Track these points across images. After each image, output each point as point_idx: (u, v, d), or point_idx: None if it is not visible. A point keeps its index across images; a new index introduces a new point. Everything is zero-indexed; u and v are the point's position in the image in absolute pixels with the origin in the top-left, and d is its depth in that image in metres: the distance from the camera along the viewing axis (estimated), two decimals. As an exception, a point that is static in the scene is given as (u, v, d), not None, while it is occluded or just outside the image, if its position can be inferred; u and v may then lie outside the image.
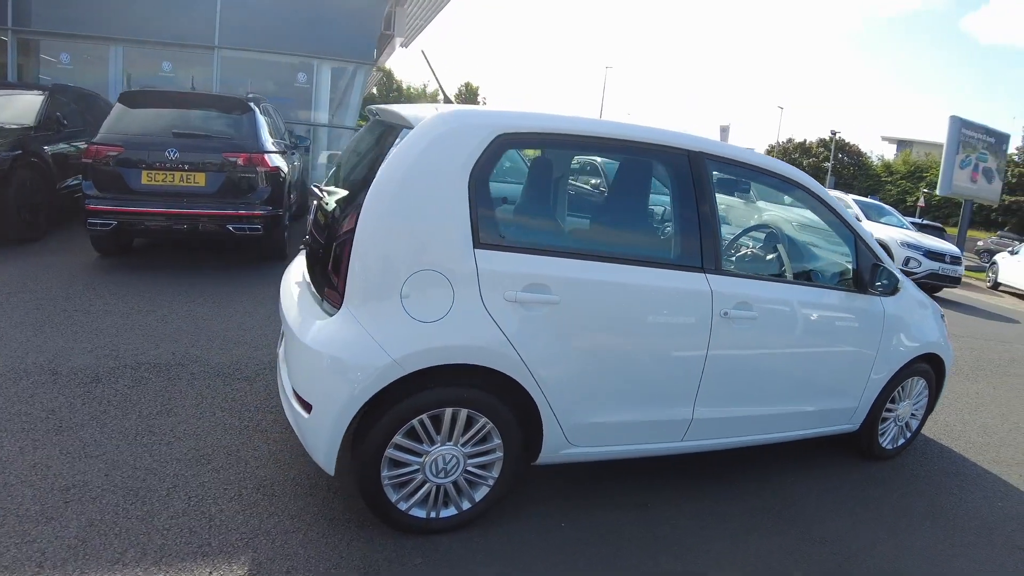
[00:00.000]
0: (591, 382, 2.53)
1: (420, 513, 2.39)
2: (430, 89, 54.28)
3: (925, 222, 16.29)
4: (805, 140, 54.47)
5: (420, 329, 2.22)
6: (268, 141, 6.06)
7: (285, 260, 6.43)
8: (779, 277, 3.13)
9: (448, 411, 2.31)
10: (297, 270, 3.04)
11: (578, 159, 9.38)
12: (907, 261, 10.85)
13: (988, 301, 12.61)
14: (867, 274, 3.15)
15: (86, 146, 5.41)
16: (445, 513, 2.43)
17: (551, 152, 2.84)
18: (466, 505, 2.45)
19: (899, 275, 3.29)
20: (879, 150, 48.24)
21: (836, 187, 33.23)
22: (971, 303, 11.79)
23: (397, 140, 2.36)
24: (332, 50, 11.11)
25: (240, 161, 5.68)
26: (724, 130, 35.03)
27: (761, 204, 9.78)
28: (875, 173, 46.80)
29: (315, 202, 2.85)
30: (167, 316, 4.42)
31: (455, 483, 2.41)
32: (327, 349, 2.23)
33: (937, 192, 21.26)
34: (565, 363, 2.42)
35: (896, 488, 3.38)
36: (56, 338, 3.80)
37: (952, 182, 20.29)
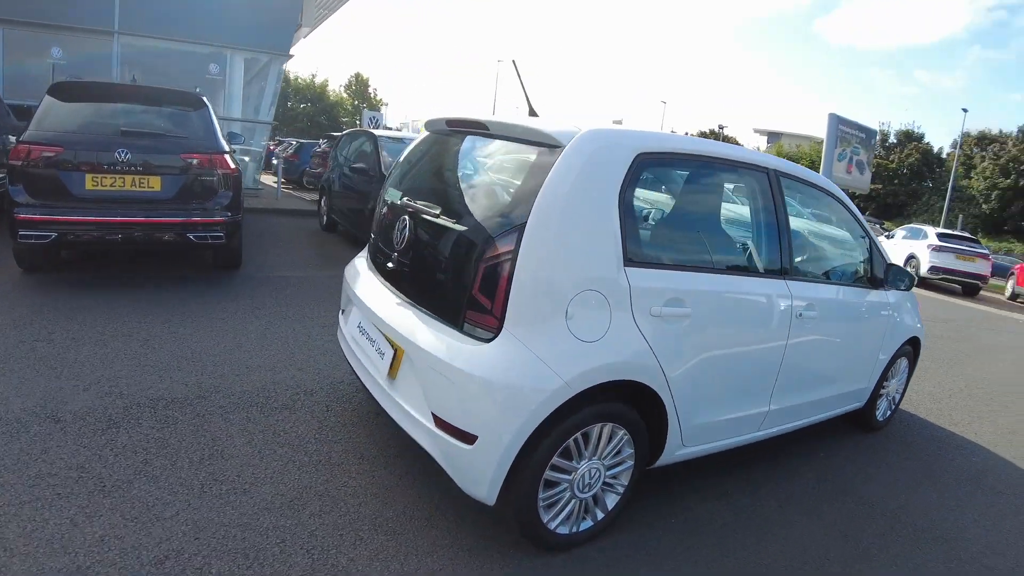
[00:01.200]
0: (706, 385, 2.63)
1: (564, 530, 2.37)
2: (318, 80, 51.62)
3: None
4: (687, 132, 58.34)
5: (585, 349, 2.19)
6: (224, 140, 5.45)
7: (240, 268, 5.92)
8: (827, 279, 3.38)
9: (597, 427, 2.31)
10: (371, 290, 2.79)
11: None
12: None
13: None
14: (883, 273, 3.57)
15: (14, 145, 4.54)
16: (584, 526, 2.43)
17: (682, 171, 2.84)
18: (600, 515, 2.47)
19: (911, 273, 3.74)
20: (753, 143, 52.80)
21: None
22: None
23: (534, 157, 2.30)
24: (246, 40, 10.21)
25: (199, 163, 5.06)
26: (617, 123, 36.12)
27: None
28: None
29: (407, 218, 2.63)
30: (149, 340, 3.84)
31: (594, 496, 2.43)
32: (496, 375, 2.07)
33: None
34: (690, 369, 2.50)
35: (895, 454, 3.84)
36: (33, 377, 3.17)
37: (832, 173, 22.69)
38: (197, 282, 5.37)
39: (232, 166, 5.36)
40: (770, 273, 2.89)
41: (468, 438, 2.11)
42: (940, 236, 15.72)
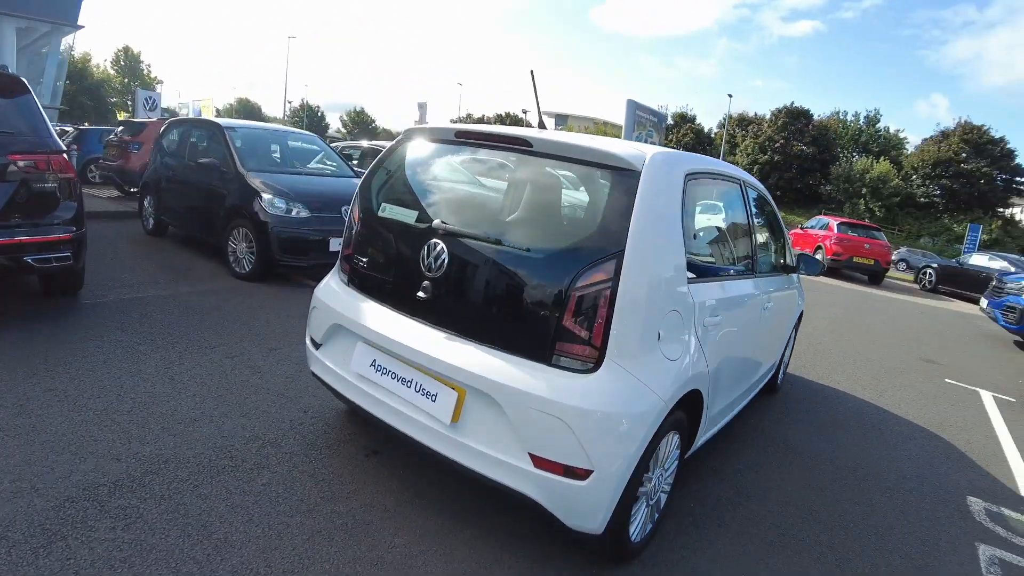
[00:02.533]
0: (722, 378, 2.86)
1: (637, 538, 2.42)
2: (77, 54, 43.03)
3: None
4: (483, 115, 60.04)
5: (673, 367, 2.26)
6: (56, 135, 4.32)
7: (77, 293, 4.78)
8: (772, 271, 3.81)
9: (667, 436, 2.39)
10: (390, 322, 2.47)
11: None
12: None
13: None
14: (795, 260, 4.20)
15: None
16: (648, 529, 2.50)
17: (708, 188, 2.94)
18: (656, 516, 2.57)
19: (821, 260, 4.46)
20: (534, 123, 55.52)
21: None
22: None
23: (610, 180, 2.24)
24: (19, 2, 8.14)
25: (32, 166, 3.96)
26: (422, 107, 35.28)
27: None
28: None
29: (440, 243, 2.37)
30: (25, 405, 2.94)
31: (656, 500, 2.52)
32: (615, 407, 2.02)
33: None
34: (716, 367, 2.69)
35: (805, 412, 4.56)
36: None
37: None
38: (29, 319, 4.23)
39: (73, 169, 4.29)
40: (747, 273, 3.23)
41: (581, 474, 2.02)
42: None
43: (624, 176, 2.21)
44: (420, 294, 2.39)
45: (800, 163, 40.59)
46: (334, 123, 75.47)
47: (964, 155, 36.30)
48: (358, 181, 6.88)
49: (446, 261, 2.34)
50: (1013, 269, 13.50)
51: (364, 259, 2.70)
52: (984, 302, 9.25)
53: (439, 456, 2.28)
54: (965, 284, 15.78)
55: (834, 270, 16.62)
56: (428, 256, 2.39)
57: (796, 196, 40.80)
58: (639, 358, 2.12)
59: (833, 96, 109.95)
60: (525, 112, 52.61)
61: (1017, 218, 37.66)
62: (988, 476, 3.85)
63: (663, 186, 2.25)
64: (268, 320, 4.76)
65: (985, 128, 36.44)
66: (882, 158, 39.69)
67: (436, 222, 2.42)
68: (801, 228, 20.06)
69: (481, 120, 58.47)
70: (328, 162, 7.18)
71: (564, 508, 2.08)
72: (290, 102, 70.11)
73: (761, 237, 3.61)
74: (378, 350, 2.49)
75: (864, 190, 38.08)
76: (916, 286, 18.03)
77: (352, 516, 2.44)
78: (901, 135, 43.80)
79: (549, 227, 2.35)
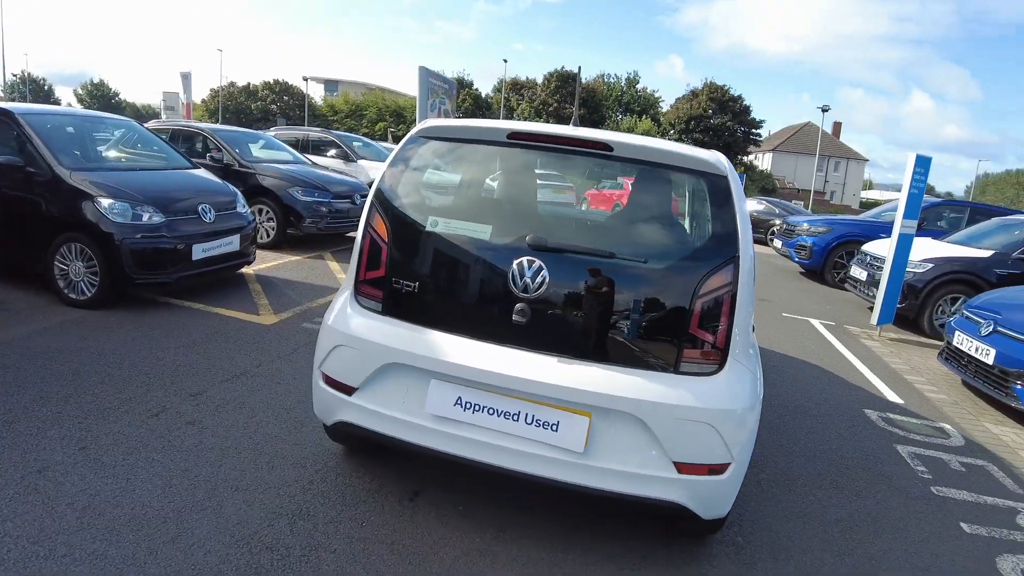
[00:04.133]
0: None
1: None
2: None
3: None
4: (249, 83, 54.18)
5: (756, 353, 2.47)
6: None
7: None
8: None
9: None
10: (474, 353, 2.19)
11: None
12: None
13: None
14: None
15: None
16: None
17: None
18: None
19: None
20: (310, 91, 52.09)
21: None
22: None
23: (705, 184, 2.29)
24: None
25: None
26: (186, 77, 31.10)
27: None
28: (321, 113, 50.69)
29: (537, 262, 2.17)
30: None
31: None
32: (750, 402, 2.18)
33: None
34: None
35: None
36: None
37: None
38: None
39: None
40: None
41: (722, 469, 2.13)
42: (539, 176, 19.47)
43: (717, 180, 2.26)
44: (516, 318, 2.15)
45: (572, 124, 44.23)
46: (65, 97, 61.55)
47: (711, 111, 42.91)
48: (204, 173, 5.98)
49: (547, 280, 2.14)
50: (776, 210, 16.79)
51: (411, 283, 2.31)
52: (778, 242, 11.41)
53: (562, 486, 2.15)
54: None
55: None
56: (522, 276, 2.15)
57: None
58: (748, 352, 2.26)
59: (590, 58, 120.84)
60: (306, 80, 48.35)
61: (755, 163, 46.19)
62: (863, 390, 4.82)
63: (739, 187, 2.33)
64: (157, 357, 3.82)
65: (727, 87, 43.44)
66: (644, 117, 45.09)
67: (529, 237, 2.19)
68: (597, 188, 22.03)
69: (248, 88, 52.34)
70: (155, 151, 5.84)
71: (705, 504, 2.16)
72: (14, 75, 54.51)
73: None
74: (464, 385, 2.20)
75: (625, 147, 43.04)
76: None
77: (467, 567, 2.16)
78: (657, 95, 50.13)
79: (659, 235, 2.30)
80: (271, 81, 53.38)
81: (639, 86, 50.34)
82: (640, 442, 2.11)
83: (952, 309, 6.57)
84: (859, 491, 3.21)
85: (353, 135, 12.19)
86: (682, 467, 2.10)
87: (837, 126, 55.49)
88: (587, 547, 2.43)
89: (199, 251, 4.87)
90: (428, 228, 2.31)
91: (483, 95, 48.97)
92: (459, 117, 30.35)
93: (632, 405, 2.09)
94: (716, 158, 2.32)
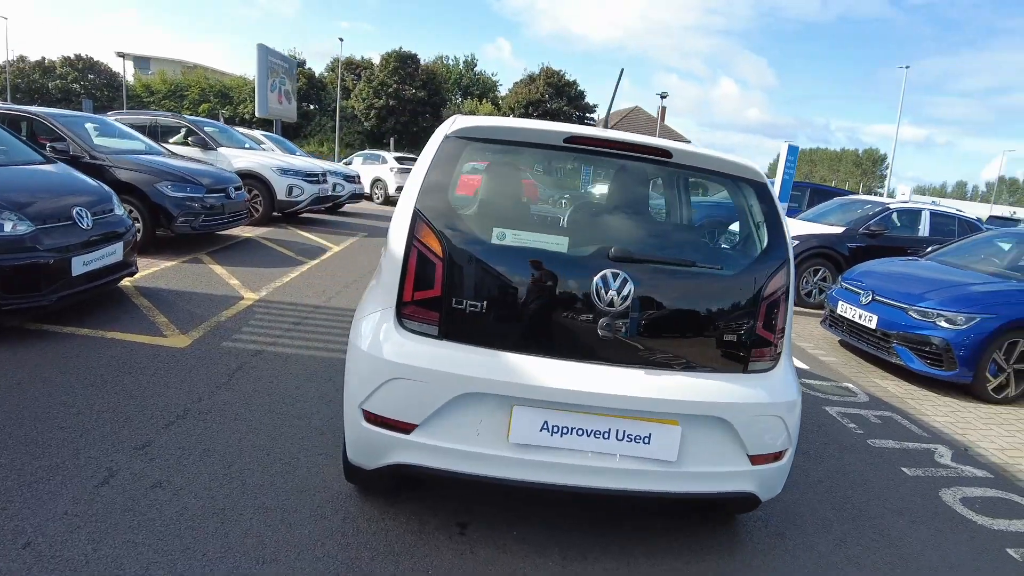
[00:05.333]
0: None
1: None
2: None
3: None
4: (44, 58, 45.40)
5: None
6: None
7: None
8: None
9: None
10: (553, 373, 2.08)
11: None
12: (290, 190, 9.39)
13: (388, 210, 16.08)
14: None
15: None
16: None
17: None
18: None
19: None
20: (116, 66, 45.08)
21: (97, 110, 28.13)
22: (385, 213, 14.87)
23: (752, 191, 2.39)
24: None
25: None
26: None
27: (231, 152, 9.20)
28: (136, 94, 44.48)
29: (622, 274, 2.10)
30: None
31: None
32: (799, 393, 2.35)
33: (256, 114, 23.36)
34: None
35: None
36: None
37: (268, 105, 22.75)
38: None
39: None
40: None
41: (783, 455, 2.31)
42: (398, 160, 18.79)
43: (761, 186, 2.39)
44: (602, 333, 2.06)
45: (413, 107, 43.25)
46: None
47: (548, 96, 44.34)
48: (67, 168, 4.78)
49: (632, 292, 2.08)
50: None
51: (476, 302, 2.09)
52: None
53: (656, 495, 2.18)
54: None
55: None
56: (606, 289, 2.06)
57: (413, 139, 43.63)
58: (789, 347, 2.41)
59: (420, 40, 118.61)
60: (122, 56, 41.14)
61: None
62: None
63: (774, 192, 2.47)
64: (65, 403, 3.05)
65: (562, 72, 45.04)
66: (484, 100, 45.45)
67: (613, 249, 2.10)
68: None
69: (43, 64, 43.63)
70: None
71: (767, 488, 2.33)
72: None
73: None
74: (551, 409, 2.06)
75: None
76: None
77: None
78: (495, 78, 50.77)
79: (728, 242, 2.31)
80: (72, 56, 45.05)
81: (477, 69, 50.79)
82: (725, 442, 2.19)
83: (814, 280, 7.63)
84: (821, 453, 3.60)
85: (205, 119, 10.65)
86: (755, 459, 2.23)
87: (662, 111, 60.99)
88: (653, 548, 2.44)
89: (79, 264, 3.97)
90: (495, 241, 2.11)
91: (317, 75, 45.99)
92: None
93: (720, 409, 2.15)
94: (756, 165, 2.42)
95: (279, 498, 2.48)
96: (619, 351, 2.13)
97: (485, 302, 2.09)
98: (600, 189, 2.70)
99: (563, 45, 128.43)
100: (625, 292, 2.07)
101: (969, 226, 8.34)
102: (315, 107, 44.46)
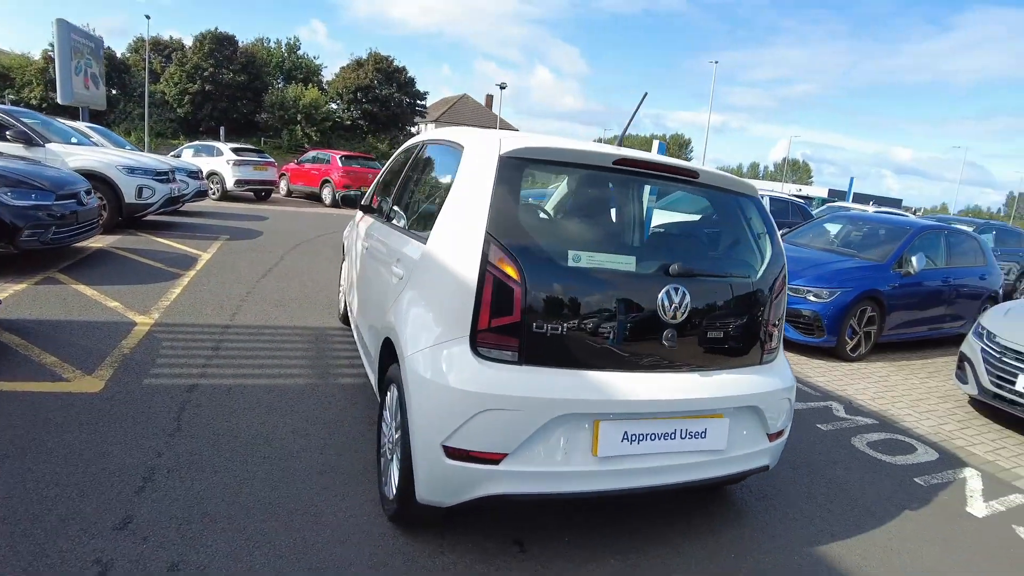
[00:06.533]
0: None
1: None
2: None
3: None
4: None
5: None
6: None
7: None
8: None
9: None
10: (635, 385, 2.22)
11: None
12: (140, 192, 8.22)
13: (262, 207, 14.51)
14: None
15: None
16: None
17: None
18: None
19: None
20: None
21: None
22: (229, 211, 13.47)
23: (752, 205, 2.69)
24: None
25: None
26: None
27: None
28: None
29: (682, 289, 2.29)
30: None
31: None
32: (794, 377, 2.82)
33: (60, 100, 19.65)
34: None
35: None
36: None
37: (73, 89, 19.24)
38: None
39: None
40: None
41: (784, 432, 2.69)
42: (235, 151, 17.08)
43: (758, 202, 2.71)
44: (666, 344, 2.22)
45: (232, 92, 39.41)
46: None
47: (377, 82, 42.78)
48: None
49: (688, 304, 2.26)
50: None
51: (556, 325, 2.09)
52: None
53: (710, 482, 2.46)
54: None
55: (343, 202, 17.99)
56: (671, 303, 2.22)
57: (234, 126, 39.78)
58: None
59: (222, 19, 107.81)
60: None
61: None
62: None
63: None
64: (-20, 483, 2.44)
65: (391, 58, 43.61)
66: (310, 85, 42.71)
67: (675, 266, 2.26)
68: (297, 162, 20.42)
69: None
70: None
71: (775, 459, 2.69)
72: None
73: None
74: (629, 419, 2.18)
75: (299, 116, 40.46)
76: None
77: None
78: (318, 61, 47.84)
79: (745, 252, 2.58)
80: None
81: (300, 52, 47.70)
82: (754, 426, 2.49)
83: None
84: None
85: (18, 108, 8.63)
86: (771, 436, 2.57)
87: (489, 98, 62.03)
88: (702, 534, 2.66)
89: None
90: (571, 264, 2.12)
91: (119, 55, 39.80)
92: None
93: (756, 399, 2.44)
94: (748, 183, 2.73)
95: (324, 556, 2.26)
96: (678, 358, 2.31)
97: (564, 324, 2.11)
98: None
99: (381, 29, 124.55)
100: (684, 304, 2.24)
101: (800, 210, 9.87)
102: (118, 92, 38.45)
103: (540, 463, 2.07)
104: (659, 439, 2.23)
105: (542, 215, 2.37)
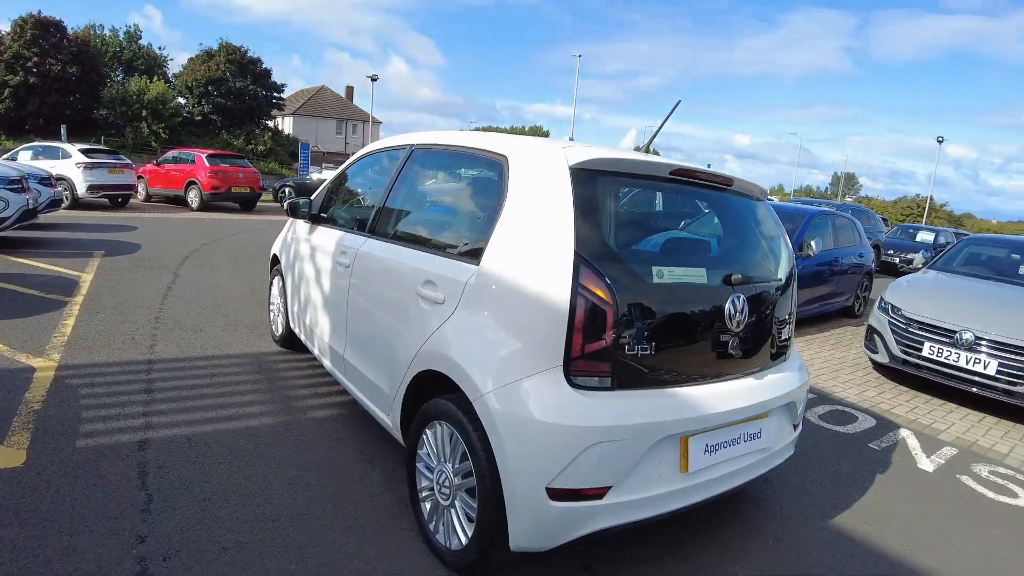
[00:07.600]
0: None
1: None
2: None
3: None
4: None
5: None
6: None
7: None
8: None
9: None
10: (717, 397, 2.24)
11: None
12: None
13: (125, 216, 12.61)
14: None
15: None
16: None
17: None
18: None
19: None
20: None
21: None
22: (89, 221, 11.75)
23: (760, 210, 2.79)
24: None
25: None
26: None
27: None
28: None
29: (744, 296, 2.34)
30: None
31: None
32: None
33: None
34: None
35: None
36: None
37: None
38: None
39: None
40: None
41: (800, 421, 2.80)
42: (85, 153, 14.92)
43: (768, 204, 2.82)
44: (732, 352, 2.26)
45: (63, 85, 34.36)
46: None
47: (230, 74, 39.35)
48: None
49: (747, 311, 2.32)
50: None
51: (645, 345, 2.02)
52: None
53: (760, 477, 2.54)
54: (313, 190, 18.77)
55: (211, 205, 16.46)
56: (736, 312, 2.25)
57: (69, 124, 34.76)
58: None
59: (44, 2, 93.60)
60: None
61: (280, 128, 44.78)
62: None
63: None
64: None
65: (245, 49, 40.24)
66: (155, 78, 38.45)
67: (736, 276, 2.29)
68: (156, 163, 18.27)
69: None
70: None
71: (796, 447, 2.82)
72: None
73: None
74: (706, 434, 2.18)
75: (144, 112, 36.28)
76: (279, 204, 19.95)
77: None
78: (163, 52, 43.18)
79: (773, 254, 2.67)
80: None
81: (142, 42, 42.82)
82: (786, 420, 2.63)
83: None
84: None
85: None
86: (795, 427, 2.71)
87: (350, 90, 59.59)
88: (742, 529, 2.72)
89: None
90: (655, 280, 2.04)
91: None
92: None
93: (793, 395, 2.56)
94: (755, 188, 2.79)
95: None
96: (739, 365, 2.36)
97: (653, 343, 2.04)
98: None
99: (224, 16, 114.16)
100: (743, 313, 2.29)
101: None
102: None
103: (640, 490, 2.00)
104: (729, 446, 2.27)
105: (622, 231, 2.25)
